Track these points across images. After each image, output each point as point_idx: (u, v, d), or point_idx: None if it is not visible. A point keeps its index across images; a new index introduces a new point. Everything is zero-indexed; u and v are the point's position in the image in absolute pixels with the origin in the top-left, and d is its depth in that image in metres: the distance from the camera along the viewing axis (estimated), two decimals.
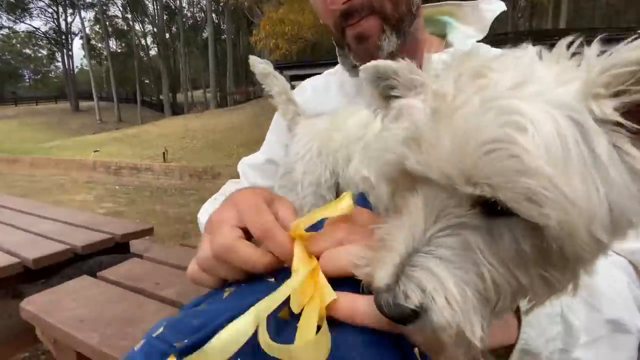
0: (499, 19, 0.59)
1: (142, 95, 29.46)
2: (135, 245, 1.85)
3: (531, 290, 0.22)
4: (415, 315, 0.21)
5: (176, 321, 0.31)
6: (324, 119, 0.54)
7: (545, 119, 0.18)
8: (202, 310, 0.32)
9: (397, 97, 0.26)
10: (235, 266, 0.31)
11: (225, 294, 0.33)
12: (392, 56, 0.54)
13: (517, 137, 0.18)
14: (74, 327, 0.79)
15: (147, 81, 40.12)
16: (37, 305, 0.88)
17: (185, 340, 0.27)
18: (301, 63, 5.88)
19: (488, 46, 0.58)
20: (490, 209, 0.20)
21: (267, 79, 0.60)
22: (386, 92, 0.28)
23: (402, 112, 0.24)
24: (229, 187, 0.77)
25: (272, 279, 0.32)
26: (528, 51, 0.23)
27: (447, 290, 0.20)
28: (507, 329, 0.31)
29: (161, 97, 31.97)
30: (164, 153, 8.64)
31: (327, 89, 0.70)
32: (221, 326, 0.26)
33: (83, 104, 29.10)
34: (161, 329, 0.30)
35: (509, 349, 0.31)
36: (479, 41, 0.57)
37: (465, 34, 0.57)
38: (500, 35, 6.10)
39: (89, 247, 1.43)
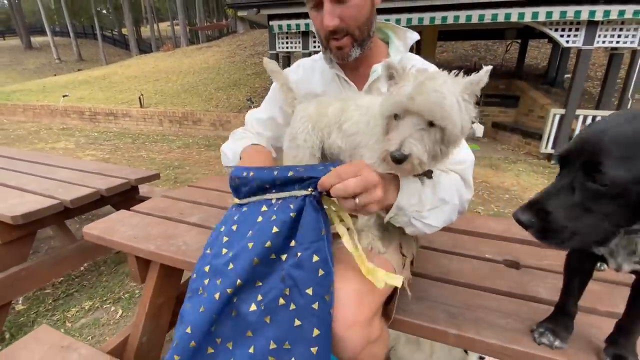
0: None
1: (102, 29, 26.55)
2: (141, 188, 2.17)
3: (436, 157, 0.60)
4: (406, 158, 0.56)
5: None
6: (312, 104, 0.84)
7: (451, 95, 0.55)
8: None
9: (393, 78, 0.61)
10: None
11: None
12: (355, 60, 0.86)
13: (443, 100, 0.54)
14: (132, 241, 1.15)
15: (104, 12, 35.88)
16: (98, 230, 1.23)
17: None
18: (280, 1, 5.64)
19: (416, 56, 0.90)
20: (430, 124, 0.57)
21: (275, 74, 0.92)
22: (389, 73, 0.62)
23: (400, 85, 0.59)
24: (242, 133, 1.08)
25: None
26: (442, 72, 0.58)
27: (418, 150, 0.56)
28: (394, 193, 0.67)
29: (123, 31, 29.07)
30: (139, 98, 8.39)
31: (312, 71, 0.98)
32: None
33: (35, 40, 26.22)
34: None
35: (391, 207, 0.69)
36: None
37: (398, 49, 0.90)
38: None
39: (112, 189, 1.74)
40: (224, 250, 0.73)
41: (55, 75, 16.28)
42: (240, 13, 6.30)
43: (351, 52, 0.84)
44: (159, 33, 27.41)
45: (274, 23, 5.90)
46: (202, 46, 15.41)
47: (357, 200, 0.58)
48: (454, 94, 0.55)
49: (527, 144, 5.84)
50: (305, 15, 5.57)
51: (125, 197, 1.98)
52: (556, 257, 1.12)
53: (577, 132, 5.10)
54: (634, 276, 0.66)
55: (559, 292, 0.90)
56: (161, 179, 4.18)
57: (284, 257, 0.66)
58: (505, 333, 0.77)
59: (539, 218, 0.50)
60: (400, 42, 0.90)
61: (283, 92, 0.91)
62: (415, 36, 0.89)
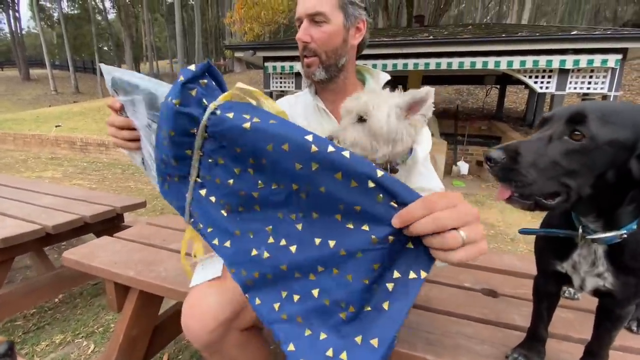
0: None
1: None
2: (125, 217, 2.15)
3: (369, 148, 0.68)
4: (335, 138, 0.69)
5: None
6: None
7: (379, 100, 0.67)
8: None
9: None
10: None
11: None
12: (321, 82, 0.96)
13: (368, 101, 0.67)
14: (112, 266, 1.14)
15: (105, 48, 37.21)
16: (78, 255, 1.21)
17: None
18: (274, 44, 6.00)
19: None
20: (360, 119, 0.68)
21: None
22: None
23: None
24: None
25: None
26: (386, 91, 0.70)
27: (343, 135, 0.69)
28: None
29: (123, 66, 29.98)
30: None
31: (295, 104, 1.05)
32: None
33: (34, 72, 26.76)
34: None
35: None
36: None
37: (372, 89, 0.99)
38: (460, 26, 6.60)
39: (96, 216, 1.73)
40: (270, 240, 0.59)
41: (50, 106, 16.45)
42: (237, 54, 6.65)
43: (315, 72, 0.92)
44: (157, 69, 28.39)
45: (269, 64, 6.23)
46: None
47: (462, 234, 0.43)
48: (383, 100, 0.67)
49: None
50: (297, 59, 5.92)
51: (109, 225, 1.96)
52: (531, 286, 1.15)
53: None
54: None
55: None
56: (147, 209, 4.13)
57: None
58: (481, 359, 0.78)
59: (509, 156, 0.52)
60: (374, 82, 0.99)
61: None
62: (385, 77, 0.99)
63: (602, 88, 4.87)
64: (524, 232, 0.65)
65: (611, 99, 4.81)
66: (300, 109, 1.03)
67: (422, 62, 5.23)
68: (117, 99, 0.73)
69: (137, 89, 0.68)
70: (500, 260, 1.33)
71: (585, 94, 5.31)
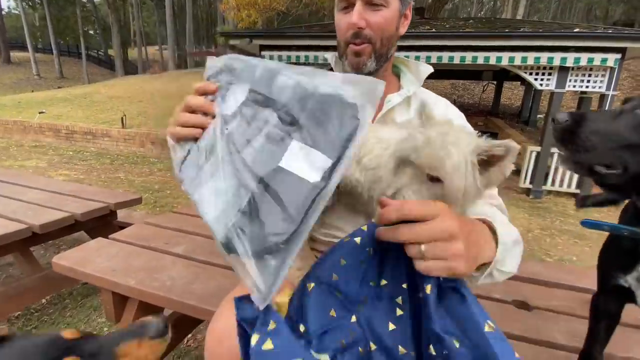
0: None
1: (87, 49, 26.37)
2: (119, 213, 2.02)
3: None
4: None
5: None
6: None
7: (458, 154, 0.49)
8: None
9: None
10: None
11: None
12: (369, 74, 0.81)
13: (447, 160, 0.48)
14: (110, 274, 1.03)
15: (91, 32, 35.92)
16: (70, 260, 1.09)
17: None
18: (272, 32, 5.81)
19: (428, 91, 0.88)
20: (432, 178, 0.51)
21: None
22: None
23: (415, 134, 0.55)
24: None
25: None
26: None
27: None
28: (489, 244, 0.53)
29: (109, 52, 28.99)
30: (122, 118, 8.19)
31: None
32: None
33: (15, 55, 25.63)
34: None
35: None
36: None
37: (410, 81, 0.88)
38: (461, 20, 6.50)
39: (88, 214, 1.60)
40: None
41: (33, 91, 15.80)
42: (232, 42, 6.42)
43: (367, 62, 0.81)
44: (146, 56, 27.53)
45: (266, 53, 6.03)
46: (190, 71, 15.55)
47: (422, 248, 0.43)
48: (463, 153, 0.50)
49: (507, 179, 6.02)
50: (296, 48, 5.74)
51: (102, 222, 1.83)
52: (564, 298, 1.09)
53: (552, 168, 5.40)
54: None
55: (575, 337, 0.85)
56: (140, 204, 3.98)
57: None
58: None
59: (573, 120, 0.52)
60: (412, 75, 0.89)
61: None
62: (428, 69, 0.88)
63: (600, 87, 4.86)
64: (586, 223, 0.59)
65: (609, 99, 4.82)
66: None
67: (423, 55, 5.12)
68: (217, 79, 0.60)
69: (253, 68, 0.55)
70: (525, 267, 1.27)
71: (582, 93, 5.31)
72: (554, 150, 5.22)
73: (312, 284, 0.46)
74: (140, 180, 5.13)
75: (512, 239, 0.58)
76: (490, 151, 0.49)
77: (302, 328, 0.44)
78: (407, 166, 0.54)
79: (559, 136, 0.54)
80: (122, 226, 1.76)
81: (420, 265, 0.44)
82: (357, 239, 0.50)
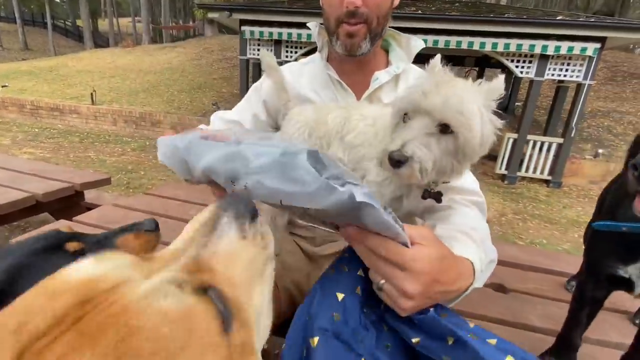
0: None
1: (53, 18, 24.43)
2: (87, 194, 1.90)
3: (446, 171, 0.51)
4: (406, 160, 0.47)
5: None
6: (309, 109, 0.73)
7: (472, 101, 0.46)
8: None
9: None
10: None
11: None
12: (361, 55, 0.76)
13: (461, 104, 0.45)
14: None
15: (58, 0, 33.31)
16: None
17: None
18: (254, 7, 5.54)
19: (418, 68, 0.82)
20: (443, 129, 0.48)
21: (270, 70, 0.79)
22: None
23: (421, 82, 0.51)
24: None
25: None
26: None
27: (422, 153, 0.47)
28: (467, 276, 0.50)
29: (78, 22, 27.03)
30: (92, 94, 7.72)
31: (300, 75, 0.86)
32: None
33: None
34: None
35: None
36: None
37: (400, 57, 0.82)
38: (447, 3, 6.42)
39: (50, 195, 1.49)
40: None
41: None
42: (210, 15, 6.09)
43: (362, 44, 0.75)
44: (118, 28, 25.86)
45: (246, 28, 5.76)
46: (165, 46, 14.75)
47: (380, 282, 0.44)
48: (475, 101, 0.48)
49: (483, 164, 6.18)
50: (278, 24, 5.51)
51: (68, 203, 1.71)
52: (539, 281, 1.11)
53: (527, 155, 5.57)
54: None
55: (549, 319, 0.86)
56: (112, 183, 3.80)
57: None
58: None
59: None
60: (402, 50, 0.83)
61: (277, 92, 0.80)
62: (419, 44, 0.82)
63: (577, 76, 4.98)
64: (600, 225, 0.57)
65: (585, 88, 4.95)
66: (306, 80, 0.85)
67: None
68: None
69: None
70: (502, 250, 1.29)
71: (560, 82, 5.43)
72: (530, 137, 5.37)
73: (317, 338, 0.42)
74: (113, 160, 4.90)
75: (487, 260, 0.56)
76: (494, 93, 0.48)
77: None
78: (414, 117, 0.50)
79: None
80: (91, 208, 1.65)
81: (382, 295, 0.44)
82: (345, 267, 0.47)
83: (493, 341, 0.39)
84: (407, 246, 0.41)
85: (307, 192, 0.36)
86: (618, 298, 0.99)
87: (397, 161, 0.47)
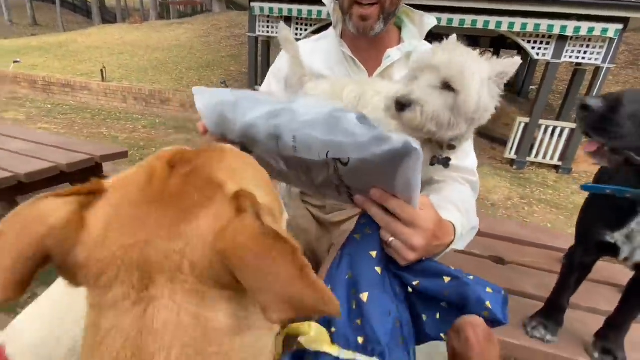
0: None
1: None
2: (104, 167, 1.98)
3: (444, 124, 0.55)
4: (411, 104, 0.53)
5: None
6: (325, 83, 0.76)
7: (474, 66, 0.52)
8: None
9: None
10: None
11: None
12: (375, 36, 0.78)
13: (464, 64, 0.51)
14: None
15: None
16: None
17: None
18: None
19: (428, 44, 0.84)
20: (445, 86, 0.53)
21: (286, 44, 0.81)
22: None
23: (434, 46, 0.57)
24: None
25: None
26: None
27: (427, 98, 0.52)
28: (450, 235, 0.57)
29: None
30: (102, 70, 7.75)
31: (313, 53, 0.87)
32: None
33: None
34: None
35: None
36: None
37: (412, 35, 0.84)
38: None
39: (73, 165, 1.57)
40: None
41: (5, 38, 14.62)
42: None
43: (375, 26, 0.76)
44: (125, 4, 25.49)
45: (256, 4, 5.66)
46: (173, 22, 14.54)
47: (390, 238, 0.49)
48: (478, 68, 0.53)
49: (492, 149, 6.13)
50: (288, 0, 5.41)
51: (88, 175, 1.80)
52: (537, 255, 1.16)
53: (538, 139, 5.49)
54: (627, 275, 0.68)
55: (543, 288, 0.92)
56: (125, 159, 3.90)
57: None
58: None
59: (608, 105, 0.48)
60: (414, 27, 0.84)
61: (293, 66, 0.82)
62: (432, 21, 0.83)
63: (596, 59, 4.81)
64: (586, 187, 0.62)
65: (603, 71, 4.80)
66: (320, 57, 0.86)
67: None
68: None
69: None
70: (502, 227, 1.34)
71: (578, 64, 5.27)
72: (542, 122, 5.28)
73: (366, 293, 0.46)
74: (125, 137, 5.00)
75: (469, 227, 0.64)
76: (503, 72, 0.53)
77: (360, 339, 0.44)
78: (423, 70, 0.56)
79: (594, 124, 0.49)
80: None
81: (388, 249, 0.51)
82: (368, 229, 0.52)
83: (471, 277, 0.47)
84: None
85: (359, 142, 0.41)
86: (611, 272, 1.04)
87: (402, 105, 0.54)
